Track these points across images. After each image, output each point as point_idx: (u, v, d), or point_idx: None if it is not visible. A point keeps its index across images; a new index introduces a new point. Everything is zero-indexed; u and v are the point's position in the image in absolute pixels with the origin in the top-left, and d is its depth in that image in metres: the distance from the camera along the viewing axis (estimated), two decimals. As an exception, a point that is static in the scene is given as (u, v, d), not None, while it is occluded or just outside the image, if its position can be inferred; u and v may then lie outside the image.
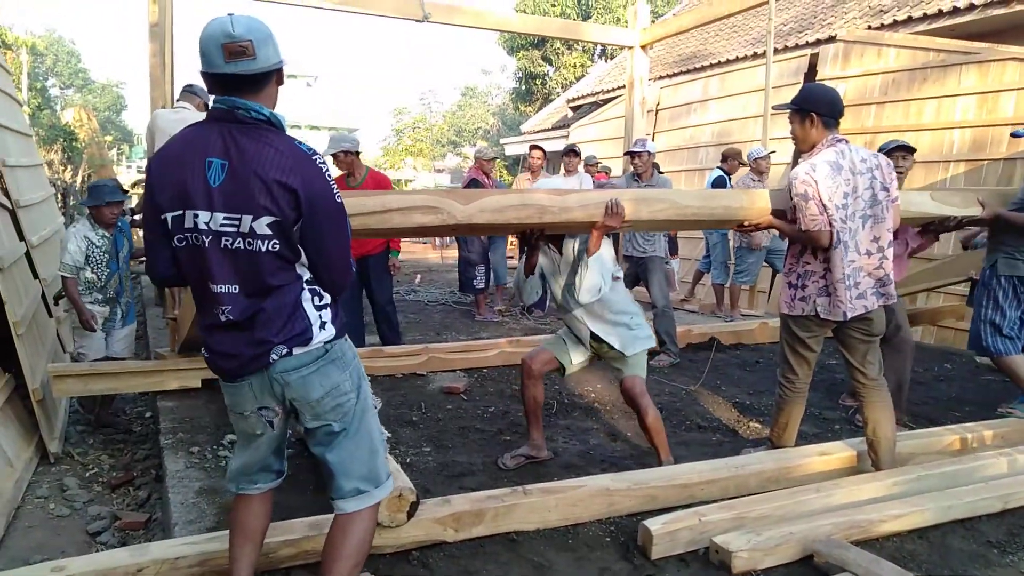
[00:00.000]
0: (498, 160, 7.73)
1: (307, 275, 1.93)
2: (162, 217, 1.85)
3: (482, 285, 7.32)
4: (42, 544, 3.12)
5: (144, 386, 4.23)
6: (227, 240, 1.82)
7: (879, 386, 3.17)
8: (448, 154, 37.68)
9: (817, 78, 8.69)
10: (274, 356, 1.89)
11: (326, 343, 1.95)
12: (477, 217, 2.95)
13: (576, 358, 3.43)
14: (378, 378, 4.83)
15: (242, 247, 1.82)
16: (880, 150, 3.91)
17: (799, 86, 8.95)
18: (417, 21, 6.45)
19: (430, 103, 34.14)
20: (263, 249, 1.82)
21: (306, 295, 1.93)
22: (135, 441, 4.37)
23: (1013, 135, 4.30)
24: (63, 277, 4.28)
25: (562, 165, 7.42)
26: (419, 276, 10.54)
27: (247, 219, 1.80)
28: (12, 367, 4.12)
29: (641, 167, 5.57)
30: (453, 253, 7.95)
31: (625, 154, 5.71)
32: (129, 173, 26.04)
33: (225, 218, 1.80)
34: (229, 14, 1.79)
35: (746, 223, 3.36)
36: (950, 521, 2.79)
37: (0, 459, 3.52)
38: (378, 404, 2.19)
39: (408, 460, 3.46)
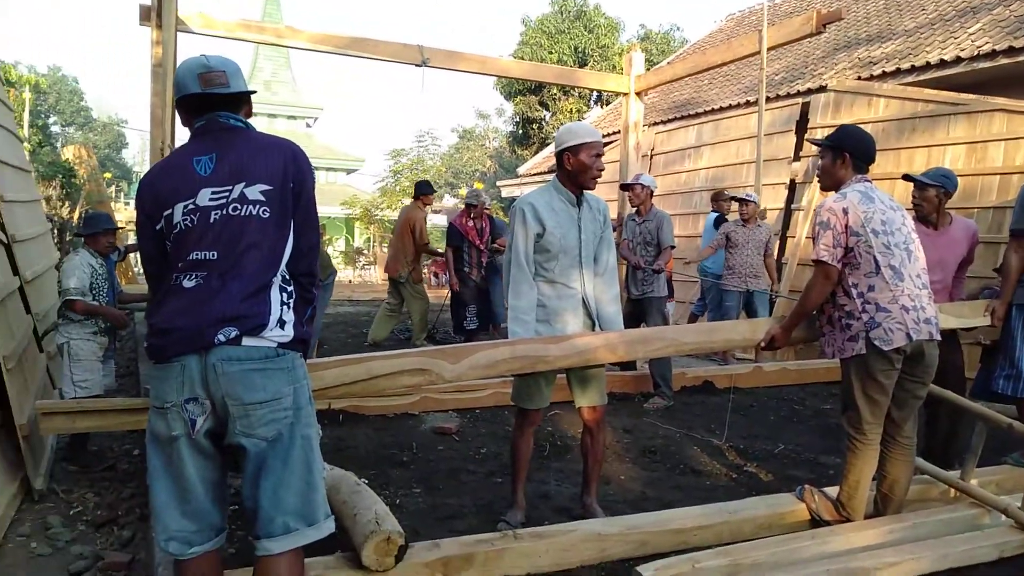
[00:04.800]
0: (492, 203, 7.89)
1: (284, 269, 1.94)
2: (157, 228, 1.94)
3: (474, 326, 7.30)
4: (21, 584, 3.05)
5: (132, 424, 4.15)
6: (215, 213, 1.88)
7: (911, 445, 3.07)
8: (445, 195, 37.95)
9: (809, 126, 8.84)
10: (220, 337, 1.79)
11: (280, 346, 1.87)
12: (468, 375, 2.98)
13: (548, 392, 3.19)
14: (369, 417, 4.80)
15: (229, 214, 1.87)
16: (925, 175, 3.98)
17: (791, 133, 9.17)
18: (416, 65, 6.58)
19: (427, 145, 34.51)
20: (253, 213, 1.88)
21: (277, 283, 1.91)
22: (121, 479, 4.30)
23: None
24: (72, 300, 4.26)
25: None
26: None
27: (239, 186, 1.89)
28: (-1, 402, 4.07)
29: (636, 201, 5.62)
30: (446, 292, 7.97)
31: (621, 187, 5.74)
32: (127, 210, 26.13)
33: (213, 192, 1.89)
34: (202, 54, 2.02)
35: (762, 344, 3.27)
36: (945, 570, 2.75)
37: (-18, 496, 3.46)
38: (319, 434, 2.04)
39: (397, 501, 3.41)
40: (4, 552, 3.31)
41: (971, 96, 7.45)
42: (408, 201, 8.53)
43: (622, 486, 3.80)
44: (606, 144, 13.15)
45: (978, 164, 7.08)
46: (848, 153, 3.05)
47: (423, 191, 7.98)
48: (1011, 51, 7.76)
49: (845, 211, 2.92)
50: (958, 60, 8.30)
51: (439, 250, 9.81)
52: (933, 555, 2.75)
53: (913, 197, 3.98)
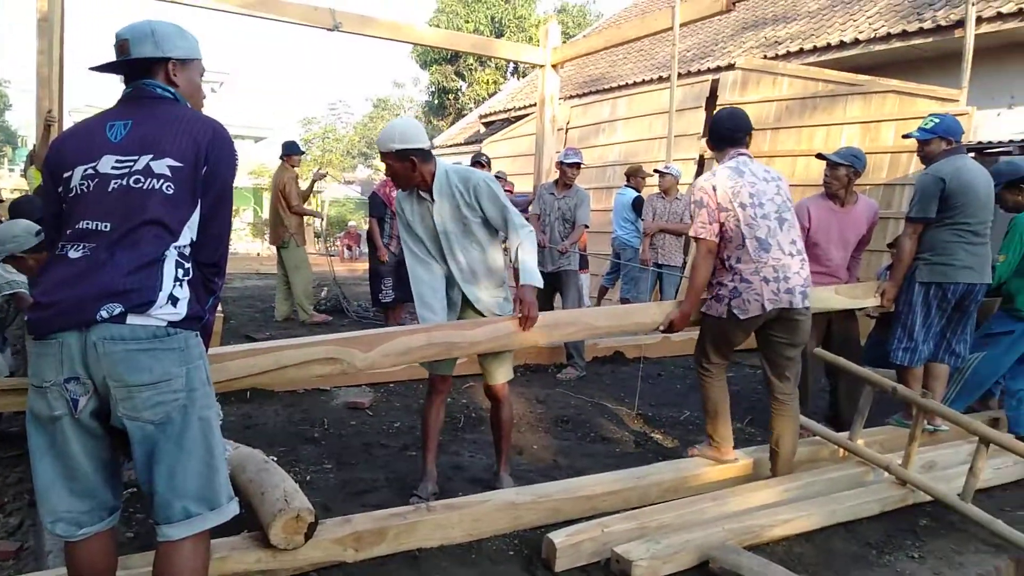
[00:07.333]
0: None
1: (185, 243, 1.82)
2: (58, 190, 1.85)
3: (390, 299, 7.21)
4: None
5: (15, 405, 3.92)
6: (115, 182, 1.79)
7: (792, 400, 3.27)
8: (359, 166, 37.13)
9: (718, 103, 9.09)
10: (103, 313, 1.66)
11: (170, 324, 1.74)
12: (381, 363, 2.87)
13: (452, 359, 3.19)
14: (278, 393, 4.67)
15: (130, 185, 1.78)
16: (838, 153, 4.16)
17: (700, 109, 9.40)
18: (327, 30, 6.34)
19: (340, 113, 33.60)
20: (155, 187, 1.78)
21: (171, 258, 1.77)
22: (6, 463, 4.05)
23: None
24: (22, 295, 4.08)
25: None
26: (325, 289, 10.29)
27: (145, 158, 1.80)
28: None
29: (573, 180, 5.64)
30: (363, 265, 7.82)
31: (561, 164, 5.67)
32: (12, 176, 24.37)
33: (116, 161, 1.80)
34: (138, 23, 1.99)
35: (662, 328, 3.39)
36: (834, 524, 2.93)
37: None
38: (220, 416, 1.97)
39: (308, 478, 3.35)
40: None
41: (866, 77, 7.84)
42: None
43: (535, 455, 3.86)
44: (522, 117, 13.13)
45: (872, 143, 7.46)
46: (706, 140, 3.41)
47: (288, 151, 7.61)
48: (904, 35, 8.19)
49: (714, 189, 3.14)
50: (856, 42, 8.70)
51: (315, 211, 9.48)
52: (822, 511, 2.93)
53: (825, 175, 4.17)
